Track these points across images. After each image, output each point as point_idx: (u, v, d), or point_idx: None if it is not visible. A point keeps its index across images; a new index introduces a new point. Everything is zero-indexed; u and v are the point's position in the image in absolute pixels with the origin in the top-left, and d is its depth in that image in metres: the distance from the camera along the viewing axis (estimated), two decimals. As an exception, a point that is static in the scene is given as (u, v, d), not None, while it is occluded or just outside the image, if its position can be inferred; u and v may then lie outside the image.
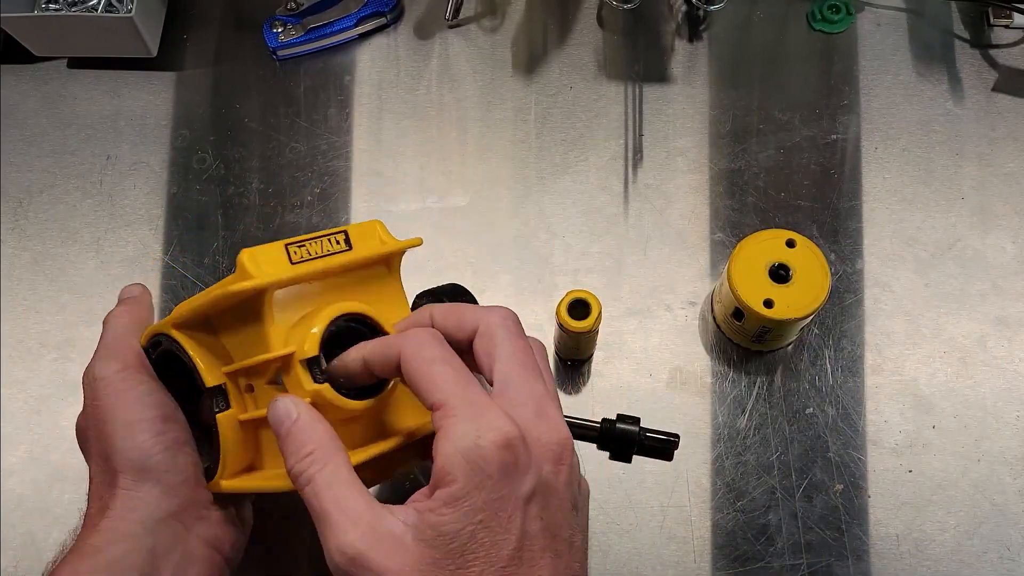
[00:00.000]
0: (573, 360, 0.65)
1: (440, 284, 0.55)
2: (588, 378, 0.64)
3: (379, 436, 0.44)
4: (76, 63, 0.73)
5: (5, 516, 0.62)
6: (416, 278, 0.67)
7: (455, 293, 0.53)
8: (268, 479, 0.45)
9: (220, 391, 0.46)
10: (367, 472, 0.41)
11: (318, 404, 0.41)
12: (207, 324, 0.46)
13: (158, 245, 0.69)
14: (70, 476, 0.63)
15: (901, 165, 0.69)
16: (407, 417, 0.46)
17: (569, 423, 0.44)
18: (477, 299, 0.54)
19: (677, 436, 0.62)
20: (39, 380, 0.65)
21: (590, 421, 0.61)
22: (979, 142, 0.69)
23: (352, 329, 0.43)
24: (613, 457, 0.62)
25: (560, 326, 0.59)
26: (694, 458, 0.62)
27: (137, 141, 0.71)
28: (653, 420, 0.63)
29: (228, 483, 0.46)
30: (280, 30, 0.72)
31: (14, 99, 0.73)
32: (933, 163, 0.69)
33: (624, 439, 0.61)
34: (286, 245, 0.43)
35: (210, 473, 0.47)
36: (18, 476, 0.63)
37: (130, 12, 0.67)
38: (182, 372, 0.47)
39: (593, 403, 0.64)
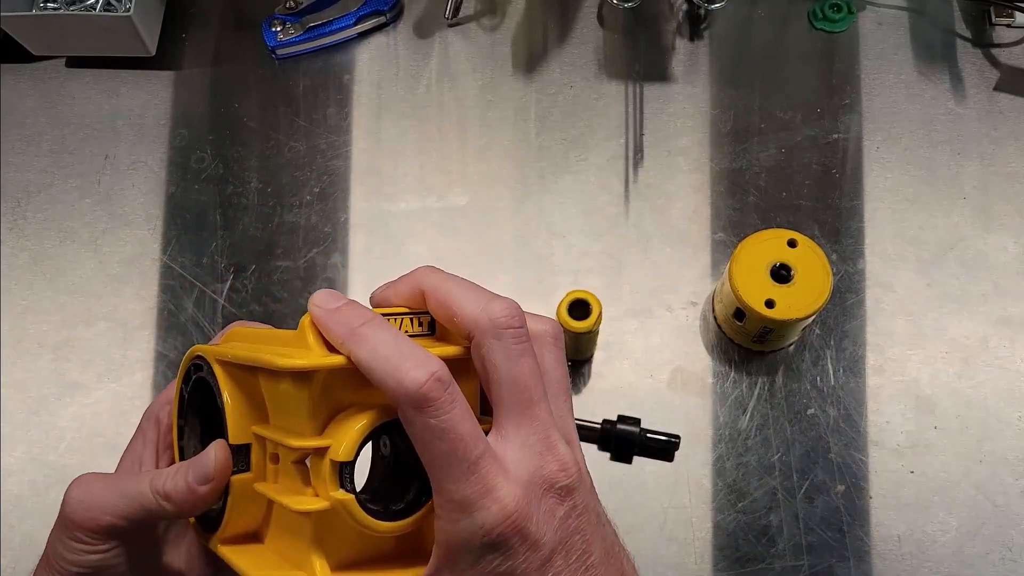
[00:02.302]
0: (573, 360, 0.64)
1: None
2: (588, 378, 0.64)
3: (384, 558, 0.39)
4: (74, 62, 0.73)
5: (4, 516, 0.62)
6: (416, 278, 0.67)
7: None
8: (253, 568, 0.40)
9: (243, 451, 0.40)
10: None
11: (336, 515, 0.36)
12: (251, 370, 0.40)
13: (156, 245, 0.68)
14: (69, 476, 0.62)
15: (903, 165, 0.68)
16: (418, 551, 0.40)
17: None
18: None
19: (678, 437, 0.62)
20: (37, 380, 0.65)
21: (591, 422, 0.61)
22: (981, 141, 0.69)
23: (397, 435, 0.37)
24: (614, 458, 0.62)
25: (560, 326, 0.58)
26: (695, 459, 0.62)
27: (135, 140, 0.71)
28: (654, 421, 0.62)
29: (224, 549, 0.41)
30: (279, 29, 0.72)
31: (12, 98, 0.72)
32: (935, 163, 0.68)
33: (625, 440, 0.61)
34: None
35: (208, 522, 0.42)
36: (16, 476, 0.63)
37: (128, 11, 0.67)
38: (212, 404, 0.43)
39: (593, 404, 0.64)
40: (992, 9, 0.71)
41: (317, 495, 0.37)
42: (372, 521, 0.36)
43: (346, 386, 0.37)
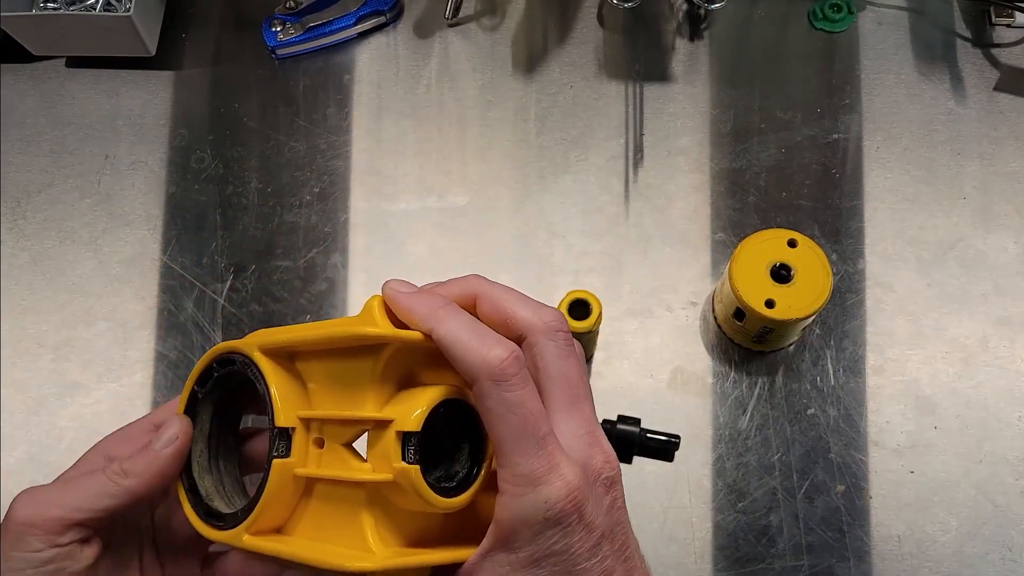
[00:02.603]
0: (573, 360, 0.64)
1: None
2: (588, 378, 0.64)
3: (431, 540, 0.40)
4: (74, 62, 0.73)
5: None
6: (416, 278, 0.67)
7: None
8: (300, 547, 0.39)
9: (286, 435, 0.40)
10: None
11: (395, 488, 0.37)
12: (290, 359, 0.42)
13: (156, 245, 0.68)
14: (68, 477, 0.63)
15: (903, 164, 0.68)
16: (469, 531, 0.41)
17: None
18: None
19: (678, 437, 0.62)
20: (37, 380, 0.65)
21: (591, 422, 0.61)
22: (981, 141, 0.69)
23: (452, 417, 0.39)
24: (614, 458, 0.62)
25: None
26: (695, 459, 0.62)
27: (135, 140, 0.71)
28: (654, 421, 0.62)
29: (251, 540, 0.40)
30: (279, 29, 0.72)
31: (12, 98, 0.72)
32: (935, 163, 0.68)
33: (625, 440, 0.61)
34: None
35: (225, 520, 0.42)
36: (16, 477, 0.63)
37: (128, 11, 0.67)
38: (238, 400, 0.44)
39: (594, 404, 0.63)
40: (992, 9, 0.71)
41: (375, 470, 0.38)
42: (431, 494, 0.37)
43: (407, 365, 0.39)
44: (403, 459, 0.37)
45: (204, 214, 0.69)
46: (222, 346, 0.43)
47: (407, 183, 0.69)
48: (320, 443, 0.40)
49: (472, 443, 0.39)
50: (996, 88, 0.70)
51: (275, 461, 0.40)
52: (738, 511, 0.61)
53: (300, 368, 0.41)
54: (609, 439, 0.61)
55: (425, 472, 0.38)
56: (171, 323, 0.66)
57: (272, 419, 0.40)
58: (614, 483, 0.39)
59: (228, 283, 0.67)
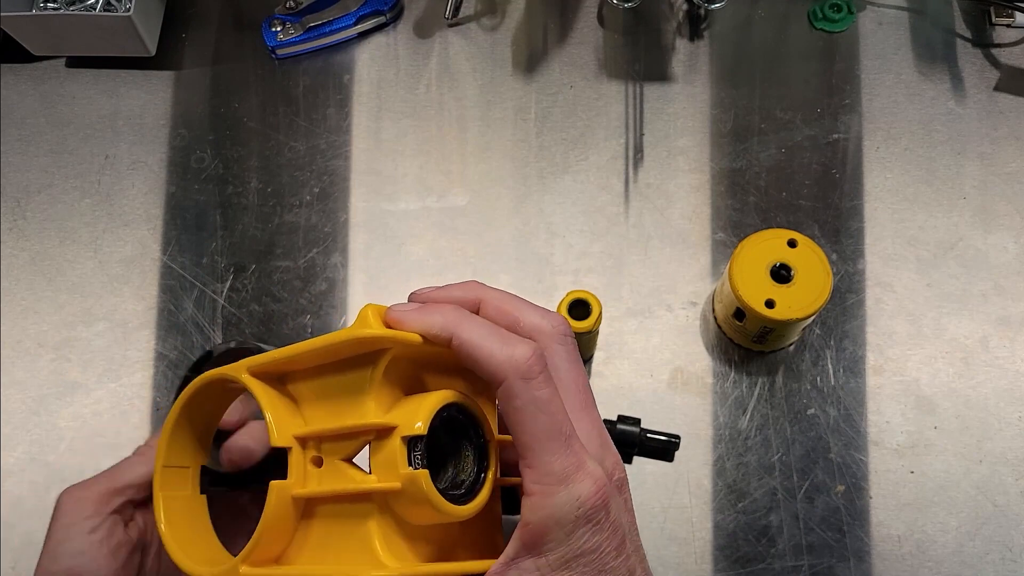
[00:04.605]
0: (573, 360, 0.64)
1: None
2: (588, 379, 0.64)
3: (439, 554, 0.39)
4: (74, 62, 0.73)
5: (4, 516, 0.62)
6: (416, 278, 0.67)
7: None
8: (305, 572, 0.39)
9: (281, 455, 0.39)
10: None
11: (404, 497, 0.36)
12: (281, 382, 0.41)
13: (156, 245, 0.68)
14: (68, 477, 0.63)
15: (903, 164, 0.68)
16: (476, 544, 0.40)
17: None
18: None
19: (678, 437, 0.62)
20: (37, 381, 0.65)
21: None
22: (981, 141, 0.69)
23: (455, 422, 0.38)
24: (614, 458, 0.62)
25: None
26: (695, 459, 0.62)
27: (135, 140, 0.71)
28: (654, 421, 0.63)
29: (249, 571, 0.38)
30: (279, 29, 0.72)
31: (12, 98, 0.72)
32: (935, 163, 0.68)
33: (625, 440, 0.61)
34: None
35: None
36: (16, 477, 0.63)
37: (128, 11, 0.67)
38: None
39: (593, 404, 0.63)
40: (992, 9, 0.71)
41: (379, 480, 0.36)
42: (441, 500, 0.36)
43: (406, 373, 0.38)
44: (410, 464, 0.36)
45: (204, 214, 0.69)
46: (211, 373, 0.42)
47: (407, 183, 0.69)
48: (318, 462, 0.39)
49: (476, 449, 0.38)
50: (996, 88, 0.70)
51: (272, 483, 0.38)
52: (738, 511, 0.61)
53: (291, 390, 0.40)
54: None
55: (432, 480, 0.36)
56: (171, 323, 0.66)
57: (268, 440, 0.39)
58: (624, 484, 0.39)
59: (228, 283, 0.67)
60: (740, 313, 0.59)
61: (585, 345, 0.62)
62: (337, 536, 0.38)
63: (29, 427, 0.64)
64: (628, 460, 0.62)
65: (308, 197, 0.69)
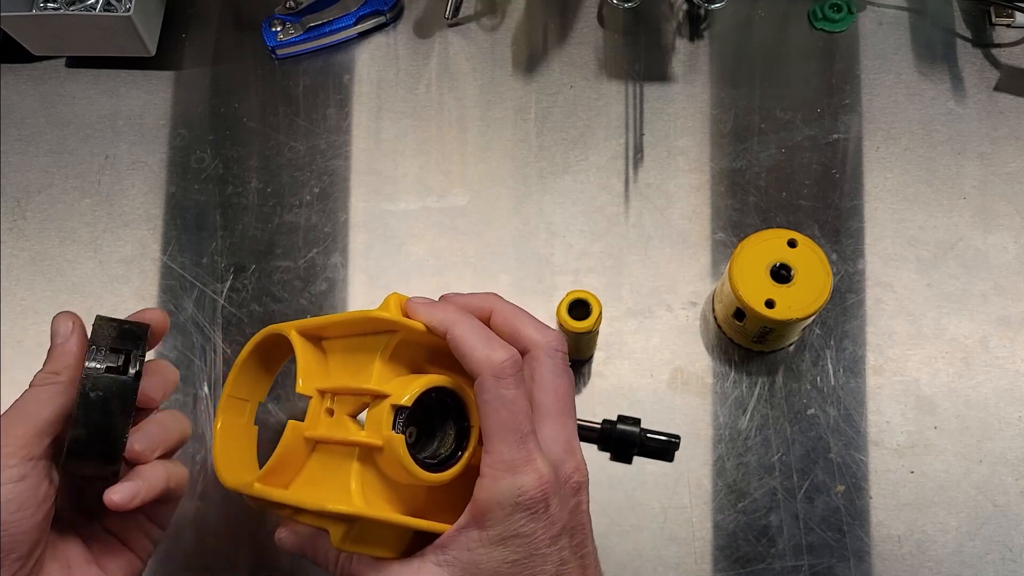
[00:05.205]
0: (573, 361, 0.64)
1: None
2: (589, 378, 0.64)
3: (408, 510, 0.45)
4: (74, 62, 0.73)
5: (3, 517, 0.62)
6: (416, 278, 0.67)
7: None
8: (294, 494, 0.46)
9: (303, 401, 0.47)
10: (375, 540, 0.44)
11: (383, 454, 0.43)
12: (319, 342, 0.49)
13: (156, 245, 0.68)
14: (68, 477, 0.63)
15: (903, 165, 0.68)
16: (445, 509, 0.46)
17: None
18: None
19: (678, 437, 0.62)
20: (37, 380, 0.65)
21: (591, 422, 0.61)
22: (981, 141, 0.69)
23: (443, 404, 0.45)
24: (614, 458, 0.62)
25: (560, 326, 0.58)
26: (695, 459, 0.62)
27: (135, 140, 0.71)
28: (654, 421, 0.63)
29: (260, 488, 0.46)
30: (279, 29, 0.72)
31: (12, 98, 0.72)
32: (935, 163, 0.68)
33: (625, 440, 0.61)
34: None
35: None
36: (16, 477, 0.63)
37: (128, 11, 0.67)
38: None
39: (594, 404, 0.63)
40: (992, 9, 0.71)
41: (369, 436, 0.43)
42: (412, 464, 0.43)
43: (413, 355, 0.46)
44: (393, 428, 0.43)
45: (204, 214, 0.69)
46: (272, 328, 0.51)
47: (407, 183, 0.69)
48: (330, 413, 0.46)
49: (459, 431, 0.45)
50: (996, 88, 0.70)
51: (290, 422, 0.46)
52: (738, 511, 0.61)
53: (325, 346, 0.49)
54: (609, 439, 0.62)
55: (413, 448, 0.43)
56: (171, 323, 0.66)
57: (294, 385, 0.47)
58: (581, 489, 0.44)
59: (228, 283, 0.67)
60: (740, 313, 0.59)
61: (585, 345, 0.62)
62: (327, 470, 0.45)
63: (29, 427, 0.64)
64: (628, 460, 0.62)
65: (308, 197, 0.69)
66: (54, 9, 0.70)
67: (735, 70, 0.71)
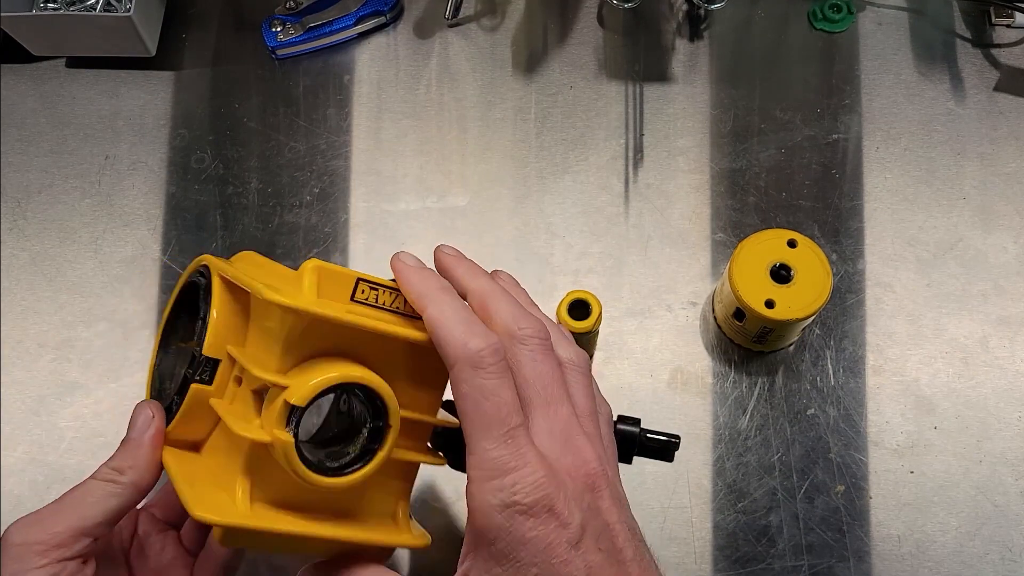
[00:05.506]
0: (573, 360, 0.64)
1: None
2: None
3: (310, 514, 0.40)
4: (74, 63, 0.73)
5: (4, 516, 0.62)
6: (416, 278, 0.67)
7: None
8: (180, 473, 0.40)
9: (212, 365, 0.41)
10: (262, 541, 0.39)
11: (272, 450, 0.38)
12: (244, 294, 0.42)
13: (156, 245, 0.68)
14: (69, 477, 0.63)
15: (903, 165, 0.68)
16: (369, 518, 0.42)
17: None
18: None
19: (678, 437, 0.62)
20: (37, 381, 0.65)
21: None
22: (981, 142, 0.69)
23: (357, 398, 0.40)
24: (614, 458, 0.62)
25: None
26: (695, 459, 0.62)
27: (136, 141, 0.71)
28: (654, 421, 0.62)
29: (167, 452, 0.42)
30: (279, 29, 0.72)
31: (12, 99, 0.72)
32: (935, 163, 0.68)
33: (625, 440, 0.61)
34: (359, 279, 0.40)
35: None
36: (16, 477, 0.63)
37: (129, 11, 0.67)
38: (196, 307, 0.44)
39: (593, 404, 0.63)
40: (992, 9, 0.71)
41: (263, 428, 0.38)
42: (301, 468, 0.38)
43: (326, 340, 0.39)
44: (287, 426, 0.37)
45: (204, 214, 0.69)
46: (204, 258, 0.44)
47: (407, 183, 0.69)
48: (239, 381, 0.41)
49: (372, 430, 0.40)
50: (996, 88, 0.70)
51: (194, 386, 0.41)
52: (738, 511, 0.61)
53: (251, 300, 0.41)
54: (609, 439, 0.61)
55: (318, 446, 0.39)
56: (171, 323, 0.66)
57: (201, 345, 0.41)
58: (596, 486, 0.38)
59: (228, 283, 0.67)
60: (740, 313, 0.59)
61: (585, 345, 0.62)
62: (223, 454, 0.40)
63: (29, 427, 0.64)
64: (628, 460, 0.62)
65: (308, 197, 0.69)
66: (54, 9, 0.70)
67: (735, 70, 0.71)
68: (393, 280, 0.41)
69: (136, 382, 0.65)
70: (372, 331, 0.39)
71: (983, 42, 0.71)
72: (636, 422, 0.61)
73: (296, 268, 0.40)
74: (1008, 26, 0.71)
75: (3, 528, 0.61)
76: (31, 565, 0.38)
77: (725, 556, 0.60)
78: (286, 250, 0.68)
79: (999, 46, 0.71)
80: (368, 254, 0.68)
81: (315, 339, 0.39)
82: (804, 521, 0.60)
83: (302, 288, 0.38)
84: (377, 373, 0.39)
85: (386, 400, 0.39)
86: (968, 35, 0.71)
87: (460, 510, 0.61)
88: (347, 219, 0.68)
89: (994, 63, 0.71)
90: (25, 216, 0.69)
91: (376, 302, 0.41)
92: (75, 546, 0.39)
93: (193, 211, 0.69)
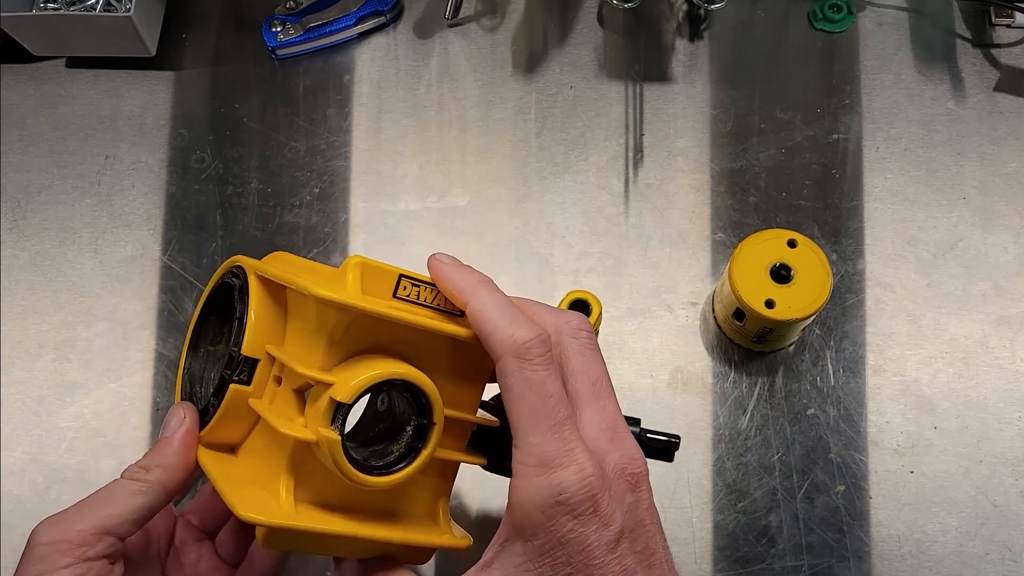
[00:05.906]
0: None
1: None
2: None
3: (358, 515, 0.40)
4: (74, 63, 0.73)
5: (4, 516, 0.62)
6: (416, 278, 0.67)
7: None
8: (221, 475, 0.40)
9: (251, 365, 0.41)
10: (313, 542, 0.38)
11: (317, 449, 0.37)
12: (281, 292, 0.42)
13: (156, 245, 0.68)
14: (69, 477, 0.63)
15: (903, 165, 0.68)
16: (411, 519, 0.41)
17: None
18: None
19: (678, 437, 0.62)
20: (37, 381, 0.65)
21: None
22: (981, 142, 0.69)
23: (400, 395, 0.39)
24: (614, 458, 0.62)
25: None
26: (695, 459, 0.62)
27: (136, 141, 0.71)
28: (654, 421, 0.63)
29: (200, 452, 0.41)
30: (279, 29, 0.72)
31: (12, 99, 0.72)
32: (935, 163, 0.68)
33: (625, 440, 0.61)
34: (401, 275, 0.40)
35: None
36: (16, 477, 0.63)
37: (128, 11, 0.67)
38: (229, 308, 0.43)
39: (593, 404, 0.63)
40: (992, 9, 0.71)
41: (307, 427, 0.38)
42: (348, 467, 0.37)
43: (369, 336, 0.39)
44: (331, 425, 0.37)
45: (204, 214, 0.69)
46: (236, 258, 0.44)
47: (407, 183, 0.69)
48: (278, 381, 0.40)
49: (416, 428, 0.39)
50: (996, 88, 0.70)
51: (233, 386, 0.40)
52: (738, 511, 0.61)
53: (289, 298, 0.41)
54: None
55: (361, 445, 0.38)
56: (171, 323, 0.66)
57: (240, 345, 0.40)
58: (639, 483, 0.38)
59: (228, 283, 0.67)
60: (740, 313, 0.59)
61: (585, 345, 0.62)
62: (268, 452, 0.40)
63: (29, 427, 0.64)
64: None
65: (308, 197, 0.69)
66: (54, 9, 0.70)
67: (735, 70, 0.71)
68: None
69: (136, 382, 0.65)
70: (418, 327, 0.39)
71: (983, 42, 0.71)
72: (636, 422, 0.62)
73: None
74: (1008, 26, 0.71)
75: (2, 528, 0.62)
76: (56, 565, 0.38)
77: (725, 556, 0.60)
78: (286, 250, 0.67)
79: (999, 46, 0.71)
80: (368, 254, 0.67)
81: (359, 336, 0.38)
82: (804, 521, 0.60)
83: (346, 284, 0.38)
84: (419, 370, 0.39)
85: (430, 397, 0.39)
86: (968, 35, 0.71)
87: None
88: (347, 219, 0.68)
89: (994, 63, 0.71)
90: (25, 216, 0.69)
91: (418, 299, 0.40)
92: (99, 545, 0.38)
93: (193, 211, 0.69)
